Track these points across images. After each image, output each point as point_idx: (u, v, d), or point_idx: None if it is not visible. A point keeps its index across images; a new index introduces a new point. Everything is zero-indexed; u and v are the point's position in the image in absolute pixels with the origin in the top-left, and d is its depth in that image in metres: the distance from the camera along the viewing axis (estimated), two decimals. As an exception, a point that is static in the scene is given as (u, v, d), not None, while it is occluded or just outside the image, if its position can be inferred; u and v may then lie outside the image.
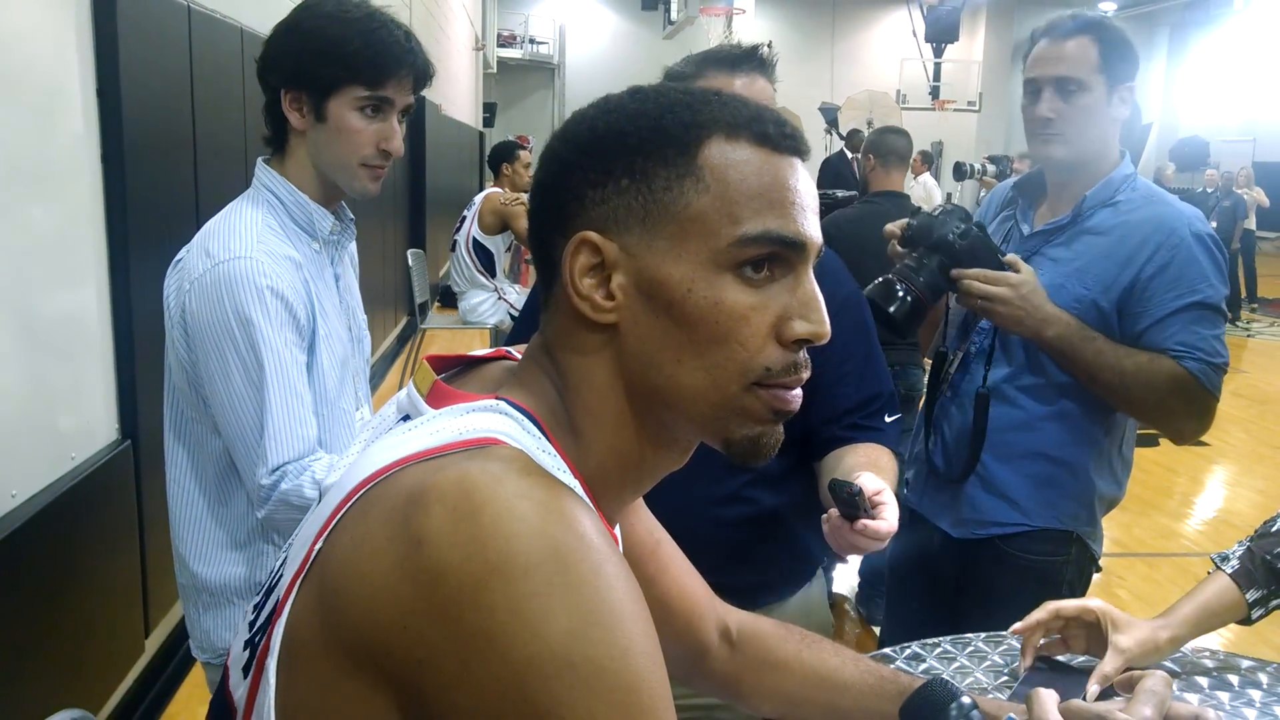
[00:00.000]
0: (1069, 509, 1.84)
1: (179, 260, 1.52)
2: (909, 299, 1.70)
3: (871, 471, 1.38)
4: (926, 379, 2.07)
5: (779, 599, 1.64)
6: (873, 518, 1.22)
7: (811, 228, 0.74)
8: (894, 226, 1.79)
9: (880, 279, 1.73)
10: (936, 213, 1.74)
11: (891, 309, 1.70)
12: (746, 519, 1.55)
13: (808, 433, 1.56)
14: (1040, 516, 1.83)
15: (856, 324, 1.62)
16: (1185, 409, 1.72)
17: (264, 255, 1.43)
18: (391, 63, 1.47)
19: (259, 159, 1.56)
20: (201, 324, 1.42)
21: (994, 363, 1.83)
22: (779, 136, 0.74)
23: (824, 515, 1.27)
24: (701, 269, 0.71)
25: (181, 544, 1.59)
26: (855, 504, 1.20)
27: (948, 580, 1.91)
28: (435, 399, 0.75)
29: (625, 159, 0.72)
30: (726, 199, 0.71)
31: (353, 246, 1.71)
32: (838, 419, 1.56)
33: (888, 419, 1.60)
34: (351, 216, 1.64)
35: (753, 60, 1.55)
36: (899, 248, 1.78)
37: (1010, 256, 1.74)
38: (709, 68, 1.55)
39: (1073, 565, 1.87)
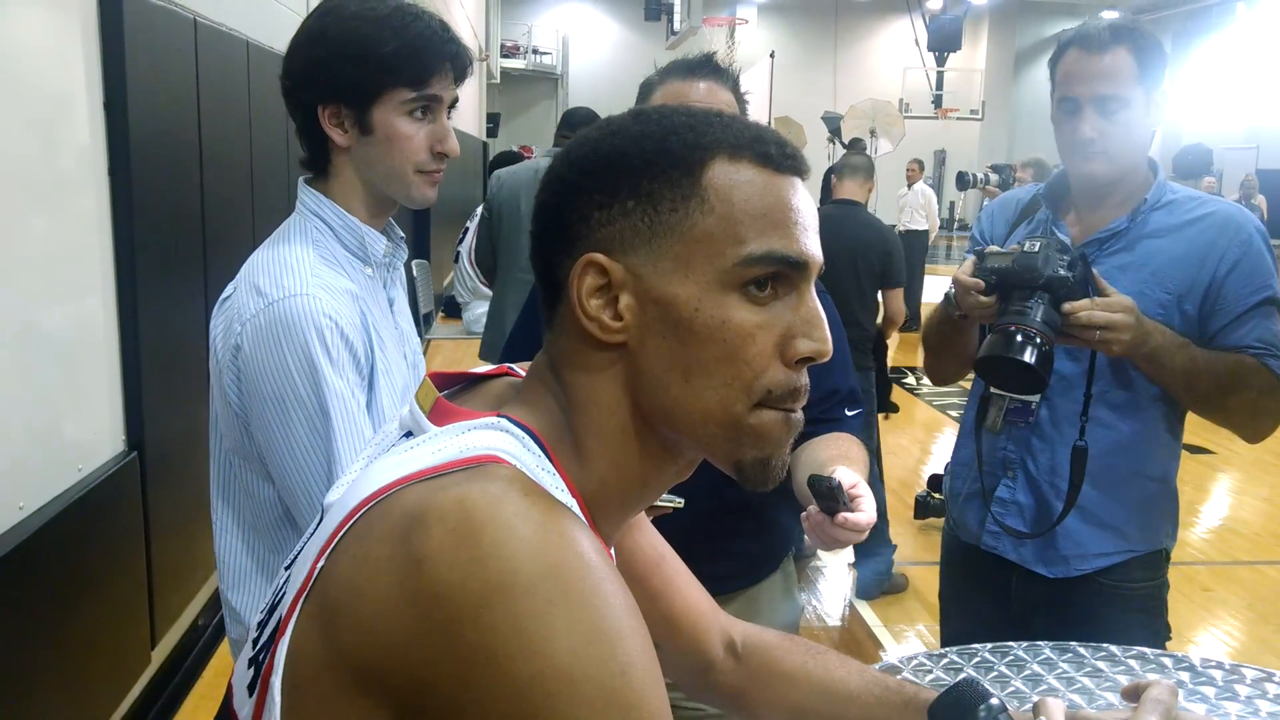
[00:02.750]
0: (1165, 526, 1.78)
1: (226, 297, 1.39)
2: (1042, 343, 1.56)
3: (844, 463, 1.40)
4: (976, 412, 1.89)
5: (740, 588, 1.68)
6: (851, 510, 1.24)
7: (813, 247, 0.75)
8: (969, 279, 1.66)
9: (993, 333, 1.61)
10: (1028, 249, 1.61)
11: (1028, 357, 1.54)
12: (709, 512, 1.55)
13: None
14: (1144, 540, 1.76)
15: None
16: (1272, 407, 1.68)
17: (321, 290, 1.31)
18: (434, 57, 1.34)
19: (301, 179, 1.43)
20: (257, 369, 1.30)
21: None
22: (780, 157, 0.75)
23: (804, 514, 1.28)
24: (708, 288, 0.72)
25: (233, 597, 1.47)
26: (835, 497, 1.22)
27: (1034, 624, 1.77)
28: (438, 416, 0.76)
29: (630, 181, 0.73)
30: (731, 219, 0.72)
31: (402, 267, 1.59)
32: None
33: (849, 413, 1.61)
34: (402, 235, 1.53)
35: (708, 67, 1.59)
36: (982, 298, 1.65)
37: (1099, 280, 1.62)
38: (670, 76, 1.61)
39: (1166, 585, 1.82)
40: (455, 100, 1.42)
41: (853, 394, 1.64)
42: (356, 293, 1.38)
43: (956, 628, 1.97)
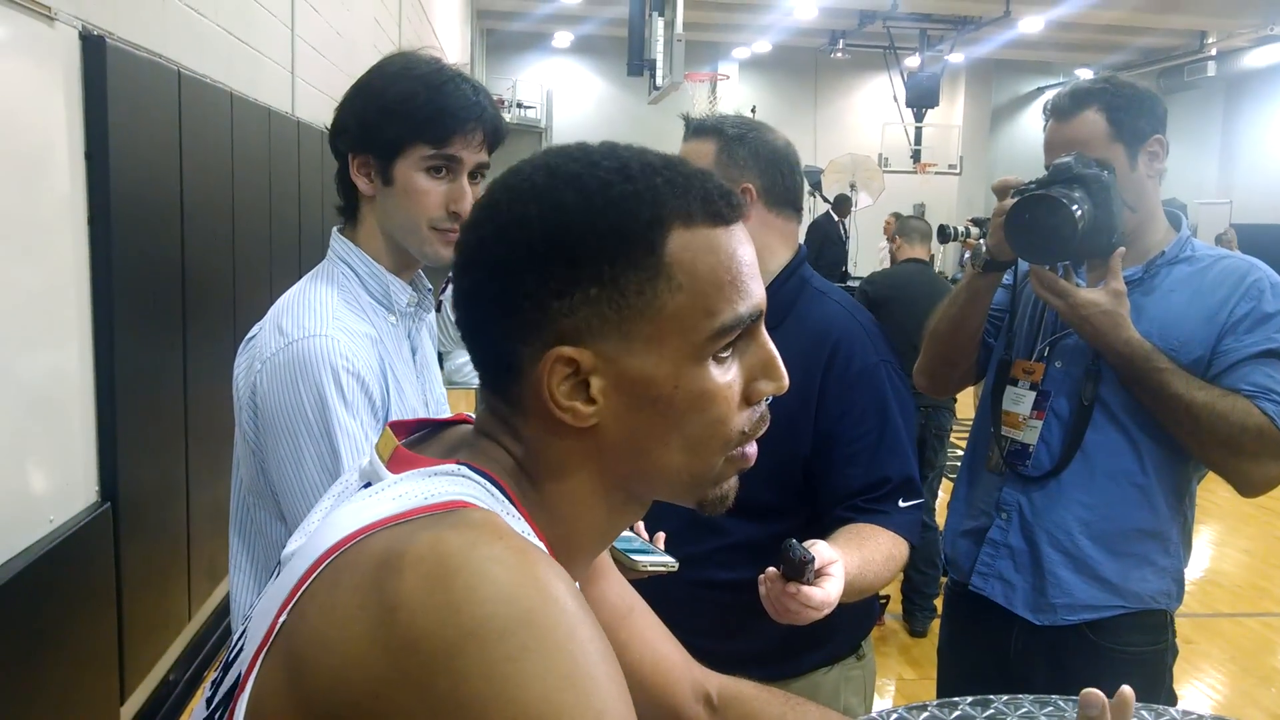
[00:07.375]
0: (1162, 586, 1.75)
1: (251, 337, 1.42)
2: (1078, 211, 1.60)
3: (851, 545, 1.35)
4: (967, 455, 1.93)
5: (783, 675, 1.53)
6: (810, 585, 1.18)
7: (761, 290, 0.76)
8: (1010, 178, 1.72)
9: (1039, 197, 1.64)
10: (1060, 161, 1.67)
11: (1063, 200, 1.60)
12: (728, 584, 1.50)
13: (817, 514, 1.52)
14: (1137, 598, 1.74)
15: (873, 400, 1.54)
16: (1258, 450, 1.63)
17: (340, 333, 1.34)
18: (458, 119, 1.36)
19: (334, 228, 1.48)
20: (272, 406, 1.33)
21: (1091, 427, 1.72)
22: (727, 209, 0.74)
23: (763, 573, 1.22)
24: (683, 363, 0.73)
25: None
26: (801, 570, 1.17)
27: (1033, 684, 1.64)
28: (396, 464, 0.75)
29: (591, 268, 0.70)
30: (699, 293, 0.72)
31: (432, 318, 1.62)
32: (841, 500, 1.50)
33: (901, 504, 1.50)
34: (429, 287, 1.54)
35: (689, 128, 1.61)
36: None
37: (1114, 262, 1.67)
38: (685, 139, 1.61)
39: (1171, 650, 1.79)
40: (483, 166, 1.42)
41: (908, 483, 1.52)
42: (376, 338, 1.41)
43: (953, 678, 1.93)
